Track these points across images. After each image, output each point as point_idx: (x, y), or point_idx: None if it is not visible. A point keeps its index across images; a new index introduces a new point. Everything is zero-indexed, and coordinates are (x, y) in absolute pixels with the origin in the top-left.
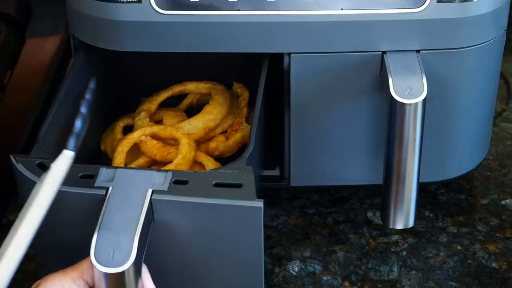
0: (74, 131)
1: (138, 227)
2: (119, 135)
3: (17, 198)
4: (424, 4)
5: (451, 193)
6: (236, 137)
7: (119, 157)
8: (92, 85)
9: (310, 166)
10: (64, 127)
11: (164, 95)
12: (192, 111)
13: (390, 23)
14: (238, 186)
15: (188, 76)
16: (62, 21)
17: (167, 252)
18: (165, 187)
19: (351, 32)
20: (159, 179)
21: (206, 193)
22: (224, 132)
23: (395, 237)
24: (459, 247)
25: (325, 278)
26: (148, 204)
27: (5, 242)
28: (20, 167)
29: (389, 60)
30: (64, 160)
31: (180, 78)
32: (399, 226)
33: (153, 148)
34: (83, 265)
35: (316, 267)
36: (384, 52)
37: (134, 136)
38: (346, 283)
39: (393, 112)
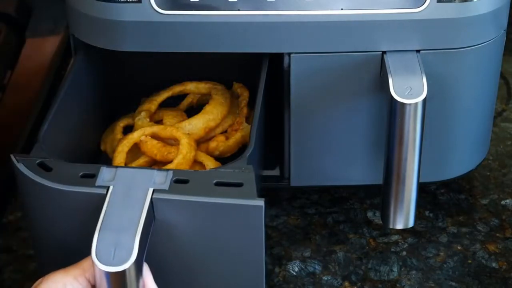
0: None
1: (139, 226)
2: (119, 135)
3: (17, 198)
4: (424, 4)
5: (451, 193)
6: (236, 137)
7: (119, 157)
8: None
9: (310, 166)
10: (64, 126)
11: (164, 95)
12: (192, 111)
13: (390, 23)
14: (239, 185)
15: (188, 76)
16: (62, 21)
17: (168, 251)
18: (166, 186)
19: (351, 32)
20: (160, 178)
21: (207, 192)
22: (224, 132)
23: (395, 237)
24: (459, 247)
25: (325, 278)
26: (149, 203)
27: None
28: (21, 166)
29: (389, 60)
30: None
31: (180, 78)
32: (399, 226)
33: (153, 148)
34: (84, 264)
35: (316, 267)
36: (384, 52)
37: (134, 136)
38: (346, 283)
39: (393, 112)
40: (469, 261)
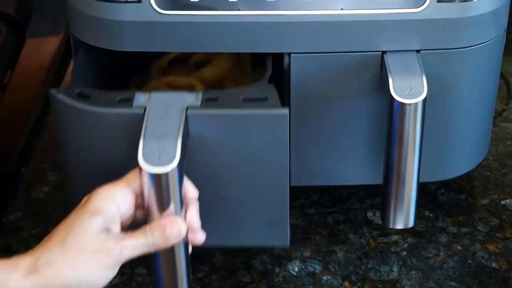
0: None
1: (179, 134)
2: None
3: (17, 198)
4: (424, 4)
5: (451, 193)
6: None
7: None
8: None
9: (310, 166)
10: None
11: (173, 53)
12: (199, 67)
13: (390, 23)
14: (264, 99)
15: None
16: (62, 21)
17: (199, 165)
18: (198, 103)
19: (351, 32)
20: (192, 98)
21: (235, 107)
22: None
23: (395, 237)
24: (459, 247)
25: (325, 278)
26: (184, 118)
27: None
28: (60, 96)
29: (389, 60)
30: None
31: None
32: (399, 226)
33: None
34: (128, 177)
35: (316, 267)
36: (384, 52)
37: (151, 85)
38: (346, 283)
39: (393, 112)
40: (469, 261)
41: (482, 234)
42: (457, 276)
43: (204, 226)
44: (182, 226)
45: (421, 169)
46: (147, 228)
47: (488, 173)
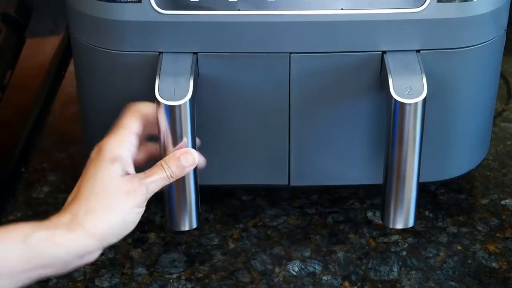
0: None
1: (191, 71)
2: None
3: (17, 198)
4: (424, 4)
5: (451, 193)
6: None
7: None
8: None
9: (310, 166)
10: None
11: None
12: None
13: (390, 23)
14: None
15: None
16: (62, 21)
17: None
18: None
19: (351, 32)
20: None
21: None
22: None
23: (395, 237)
24: (459, 247)
25: (325, 278)
26: (195, 59)
27: None
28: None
29: (389, 60)
30: None
31: None
32: (399, 226)
33: None
34: (125, 121)
35: (316, 267)
36: (384, 52)
37: None
38: (346, 283)
39: (393, 112)
40: (469, 261)
41: (482, 234)
42: (457, 276)
43: (208, 165)
44: (195, 154)
45: (421, 169)
46: (163, 162)
47: (488, 173)
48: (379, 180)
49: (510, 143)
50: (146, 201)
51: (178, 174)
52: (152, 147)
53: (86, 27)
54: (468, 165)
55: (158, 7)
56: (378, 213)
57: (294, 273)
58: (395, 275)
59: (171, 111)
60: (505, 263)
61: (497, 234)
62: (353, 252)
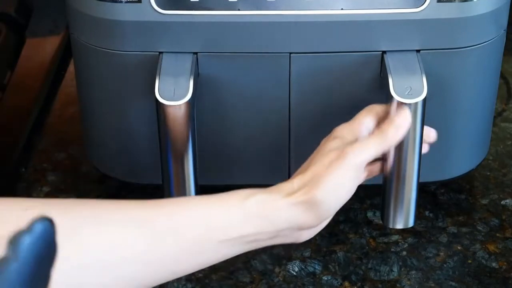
0: None
1: (191, 71)
2: None
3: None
4: (424, 4)
5: (451, 193)
6: None
7: None
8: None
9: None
10: None
11: None
12: None
13: (390, 23)
14: None
15: None
16: (62, 21)
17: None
18: None
19: (351, 32)
20: None
21: None
22: None
23: (395, 237)
24: (459, 247)
25: (325, 278)
26: (195, 59)
27: None
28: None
29: (389, 60)
30: None
31: None
32: (399, 226)
33: None
34: (360, 116)
35: (316, 267)
36: (384, 52)
37: None
38: (346, 283)
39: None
40: (469, 261)
41: (482, 234)
42: (457, 276)
43: (207, 165)
44: (409, 113)
45: (421, 169)
46: (375, 131)
47: (488, 173)
48: (379, 180)
49: (510, 143)
50: (360, 170)
51: (392, 138)
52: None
53: (86, 27)
54: (468, 165)
55: (158, 7)
56: (378, 213)
57: (294, 273)
58: (395, 275)
59: (171, 111)
60: (505, 263)
61: (497, 234)
62: (353, 252)
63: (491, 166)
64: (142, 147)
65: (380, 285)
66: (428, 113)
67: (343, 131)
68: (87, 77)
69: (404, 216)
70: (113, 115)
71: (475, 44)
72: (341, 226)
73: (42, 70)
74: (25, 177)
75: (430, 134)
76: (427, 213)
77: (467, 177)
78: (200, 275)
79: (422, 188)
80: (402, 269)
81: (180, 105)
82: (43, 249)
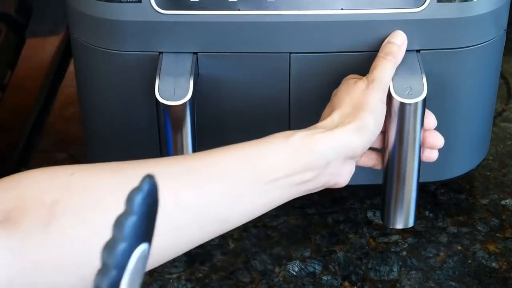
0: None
1: (191, 71)
2: None
3: None
4: (424, 4)
5: (451, 193)
6: None
7: None
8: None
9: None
10: None
11: None
12: None
13: (390, 23)
14: None
15: None
16: (62, 21)
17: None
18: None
19: (351, 32)
20: None
21: None
22: None
23: (395, 237)
24: (459, 247)
25: (325, 278)
26: (195, 59)
27: None
28: None
29: None
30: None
31: None
32: (399, 226)
33: None
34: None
35: (316, 267)
36: None
37: None
38: (346, 283)
39: (393, 111)
40: (469, 261)
41: (482, 234)
42: (457, 276)
43: None
44: (400, 32)
45: (421, 169)
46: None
47: (488, 173)
48: (379, 180)
49: (510, 143)
50: (385, 90)
51: (396, 51)
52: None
53: (86, 27)
54: (468, 165)
55: (158, 7)
56: (378, 213)
57: (294, 273)
58: (395, 275)
59: (171, 111)
60: (505, 263)
61: (497, 234)
62: (353, 252)
63: (491, 166)
64: (142, 147)
65: (380, 285)
66: None
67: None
68: (87, 77)
69: (404, 216)
70: (113, 115)
71: (475, 44)
72: (341, 226)
73: (42, 70)
74: None
75: (437, 141)
76: (427, 213)
77: (467, 177)
78: (200, 275)
79: (422, 188)
80: (402, 269)
81: (180, 105)
82: (151, 204)
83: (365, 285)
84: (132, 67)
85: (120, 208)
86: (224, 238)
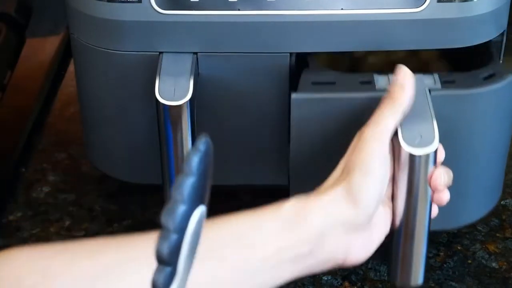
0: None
1: (191, 71)
2: None
3: (17, 198)
4: (424, 4)
5: None
6: None
7: None
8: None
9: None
10: None
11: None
12: None
13: (390, 23)
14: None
15: None
16: (62, 21)
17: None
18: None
19: (351, 32)
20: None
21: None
22: None
23: None
24: (459, 247)
25: (325, 278)
26: (195, 59)
27: None
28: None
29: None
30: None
31: None
32: (407, 284)
33: None
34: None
35: None
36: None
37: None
38: (346, 283)
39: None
40: (469, 261)
41: (482, 234)
42: (457, 276)
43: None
44: (407, 69)
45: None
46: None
47: None
48: None
49: (510, 143)
50: (386, 142)
51: (399, 97)
52: None
53: (86, 27)
54: (478, 212)
55: (158, 7)
56: None
57: None
58: None
59: (171, 111)
60: (505, 263)
61: (497, 234)
62: None
63: None
64: (142, 147)
65: (380, 285)
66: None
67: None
68: (87, 77)
69: (413, 274)
70: (113, 115)
71: (475, 44)
72: None
73: (42, 70)
74: (25, 177)
75: (447, 176)
76: None
77: None
78: None
79: None
80: None
81: (180, 105)
82: (207, 164)
83: (365, 285)
84: (132, 67)
85: None
86: None
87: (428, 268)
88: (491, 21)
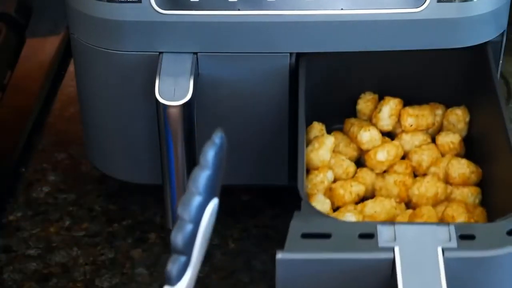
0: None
1: (191, 71)
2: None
3: (17, 198)
4: (424, 4)
5: None
6: None
7: None
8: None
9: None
10: None
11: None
12: None
13: (390, 23)
14: None
15: None
16: (62, 21)
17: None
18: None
19: (351, 32)
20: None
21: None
22: None
23: None
24: None
25: None
26: (195, 59)
27: None
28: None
29: None
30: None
31: None
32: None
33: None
34: None
35: None
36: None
37: None
38: None
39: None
40: None
41: None
42: None
43: None
44: None
45: None
46: None
47: None
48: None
49: None
50: None
51: None
52: None
53: (86, 27)
54: None
55: (158, 7)
56: None
57: None
58: None
59: (171, 111)
60: None
61: None
62: None
63: None
64: (142, 147)
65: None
66: None
67: None
68: (87, 77)
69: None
70: (113, 115)
71: (475, 44)
72: None
73: (42, 70)
74: (25, 177)
75: None
76: None
77: None
78: (201, 275)
79: None
80: None
81: (180, 105)
82: (222, 158)
83: None
84: (132, 67)
85: None
86: (224, 238)
87: None
88: (491, 21)
